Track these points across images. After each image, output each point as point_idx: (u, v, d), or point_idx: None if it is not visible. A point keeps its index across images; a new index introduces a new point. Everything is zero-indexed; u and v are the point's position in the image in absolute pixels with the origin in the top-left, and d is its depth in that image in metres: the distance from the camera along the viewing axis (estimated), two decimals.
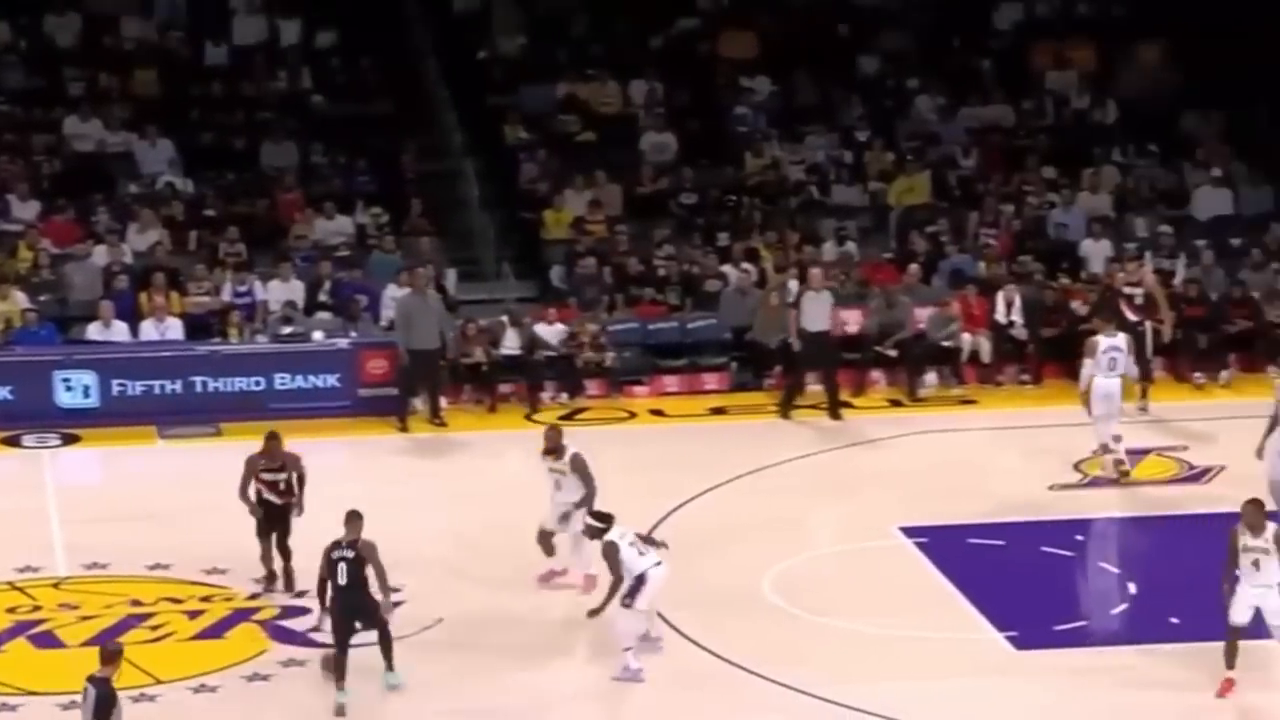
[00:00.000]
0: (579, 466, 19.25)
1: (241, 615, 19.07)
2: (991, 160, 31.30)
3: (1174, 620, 18.99)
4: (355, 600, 17.00)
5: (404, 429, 25.54)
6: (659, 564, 17.68)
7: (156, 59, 31.81)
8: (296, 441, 20.24)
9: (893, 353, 26.98)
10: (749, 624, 18.96)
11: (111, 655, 14.41)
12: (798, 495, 22.67)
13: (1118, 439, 22.81)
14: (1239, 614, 17.00)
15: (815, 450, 24.30)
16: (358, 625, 17.04)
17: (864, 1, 33.38)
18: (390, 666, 17.27)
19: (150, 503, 22.42)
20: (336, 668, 16.85)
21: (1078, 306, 27.35)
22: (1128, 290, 25.07)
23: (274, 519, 19.31)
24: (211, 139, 30.95)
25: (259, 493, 19.27)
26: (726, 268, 28.43)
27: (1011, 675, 18.06)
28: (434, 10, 32.99)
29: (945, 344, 26.89)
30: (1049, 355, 27.08)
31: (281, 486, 19.21)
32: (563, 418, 26.03)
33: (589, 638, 18.19)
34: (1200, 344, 27.03)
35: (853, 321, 27.45)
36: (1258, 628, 17.17)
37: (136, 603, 19.40)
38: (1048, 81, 32.65)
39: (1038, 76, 32.78)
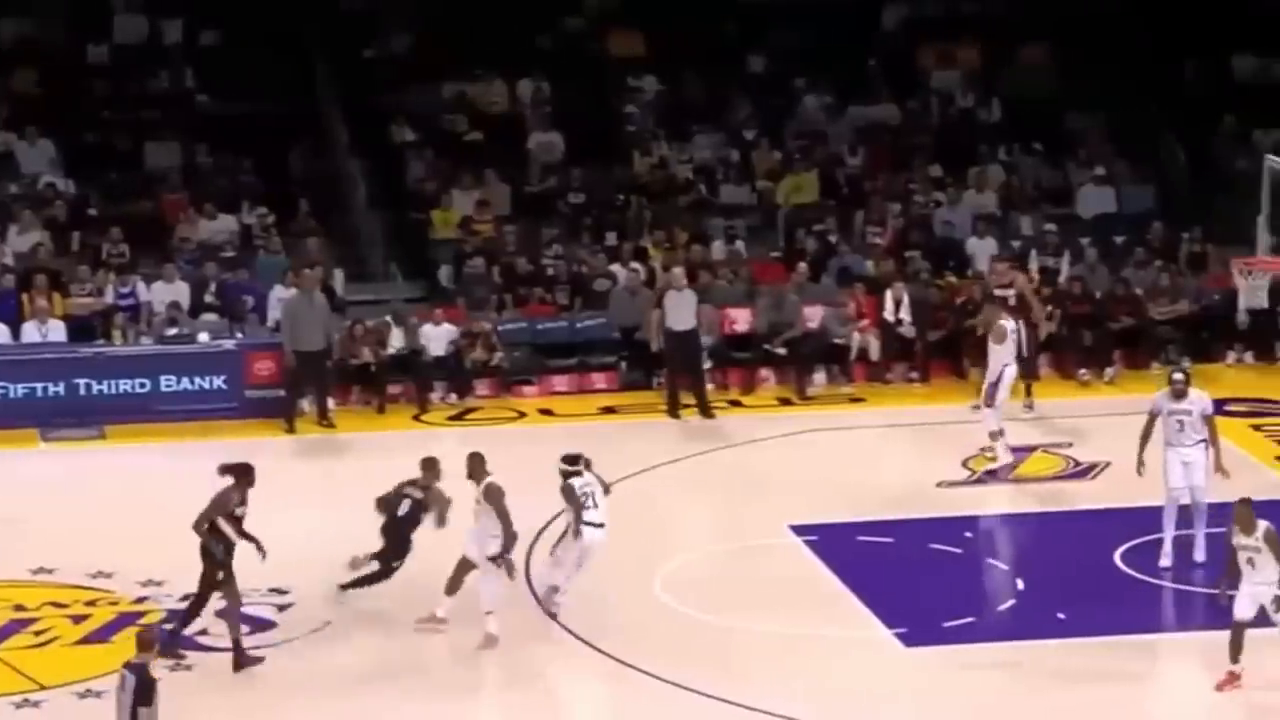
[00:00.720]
0: (493, 499, 18.29)
1: (127, 619, 18.83)
2: (878, 159, 31.43)
3: (1060, 616, 19.14)
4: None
5: (291, 430, 25.37)
6: (601, 526, 18.13)
7: (36, 58, 31.42)
8: (182, 444, 20.06)
9: (782, 351, 27.05)
10: (640, 623, 18.94)
11: (149, 642, 14.47)
12: (688, 494, 22.68)
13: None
14: (1241, 609, 17.09)
15: (705, 449, 24.32)
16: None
17: (751, 0, 33.44)
18: None
19: (33, 506, 22.12)
20: None
21: (961, 304, 27.52)
22: (999, 293, 25.18)
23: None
24: (94, 139, 30.61)
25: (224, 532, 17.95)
26: (615, 267, 28.41)
27: (901, 672, 18.13)
28: (321, 9, 32.77)
29: (837, 340, 26.98)
30: (936, 353, 27.24)
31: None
32: (452, 418, 26.00)
33: (480, 639, 18.09)
34: (1085, 341, 27.25)
35: (741, 320, 27.51)
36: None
37: (20, 607, 19.16)
38: (933, 81, 32.82)
39: (924, 76, 32.95)
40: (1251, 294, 21.90)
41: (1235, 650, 17.10)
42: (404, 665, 17.88)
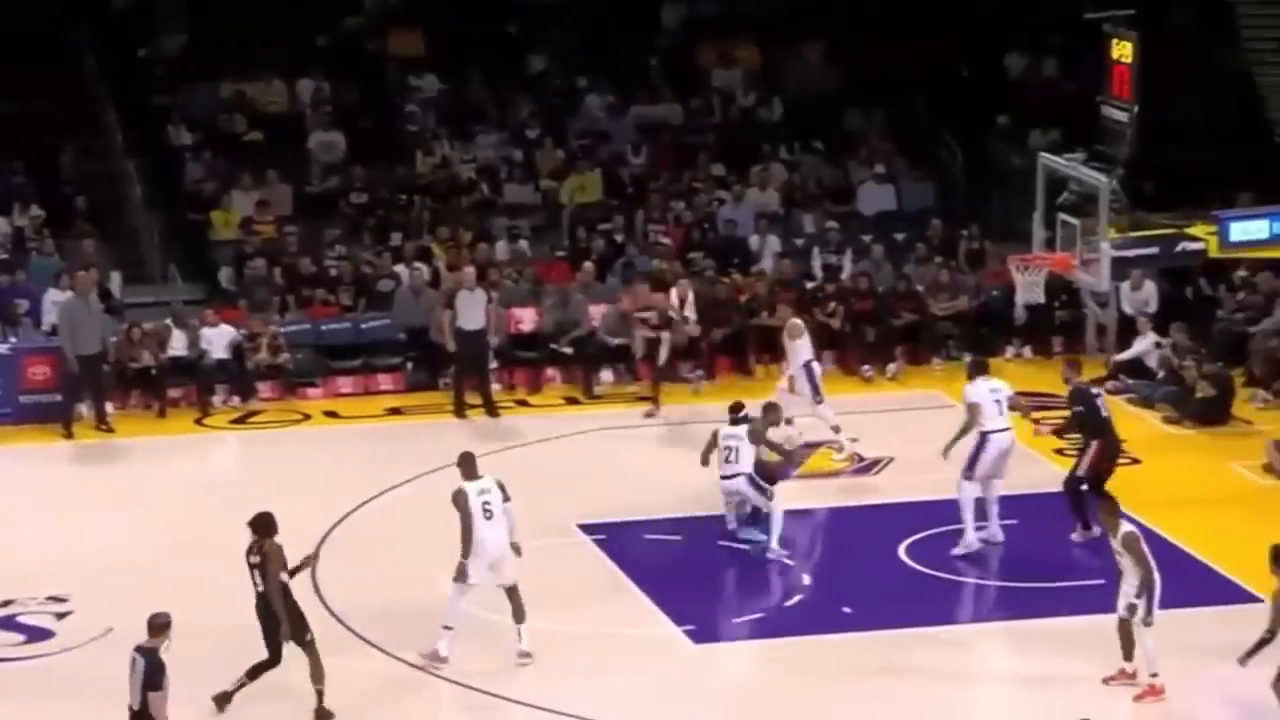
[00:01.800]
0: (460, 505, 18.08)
1: None
2: (661, 158, 31.54)
3: (846, 610, 19.32)
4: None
5: (69, 436, 24.89)
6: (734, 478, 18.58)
7: None
8: None
9: (568, 350, 27.02)
10: (430, 625, 18.79)
11: (160, 627, 14.77)
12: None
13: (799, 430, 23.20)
14: (1119, 608, 17.26)
15: (492, 449, 24.13)
16: None
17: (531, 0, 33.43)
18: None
19: None
20: None
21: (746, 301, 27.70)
22: (639, 315, 25.10)
23: None
24: None
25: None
26: (399, 267, 28.21)
27: (690, 668, 18.19)
28: (92, 8, 32.15)
29: (619, 342, 26.99)
30: (721, 351, 27.36)
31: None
32: (235, 421, 25.66)
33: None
34: (868, 338, 27.52)
35: (527, 320, 27.45)
36: None
37: None
38: (714, 80, 33.00)
39: (704, 75, 33.11)
40: (1028, 290, 22.21)
41: (1126, 648, 17.30)
42: (184, 674, 17.52)
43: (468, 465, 18.38)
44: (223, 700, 16.82)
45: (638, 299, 25.59)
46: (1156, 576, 17.12)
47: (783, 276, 28.19)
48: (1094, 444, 20.41)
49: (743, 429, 20.87)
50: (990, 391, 20.56)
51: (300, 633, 16.71)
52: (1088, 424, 20.47)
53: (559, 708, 17.11)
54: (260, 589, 16.67)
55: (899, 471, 22.92)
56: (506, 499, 18.15)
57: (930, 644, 18.67)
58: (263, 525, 16.88)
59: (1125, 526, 17.34)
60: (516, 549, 18.15)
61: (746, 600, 19.66)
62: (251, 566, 16.76)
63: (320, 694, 16.79)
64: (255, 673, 16.77)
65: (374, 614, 18.81)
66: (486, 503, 18.08)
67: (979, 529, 20.37)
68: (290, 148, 30.81)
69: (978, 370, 20.93)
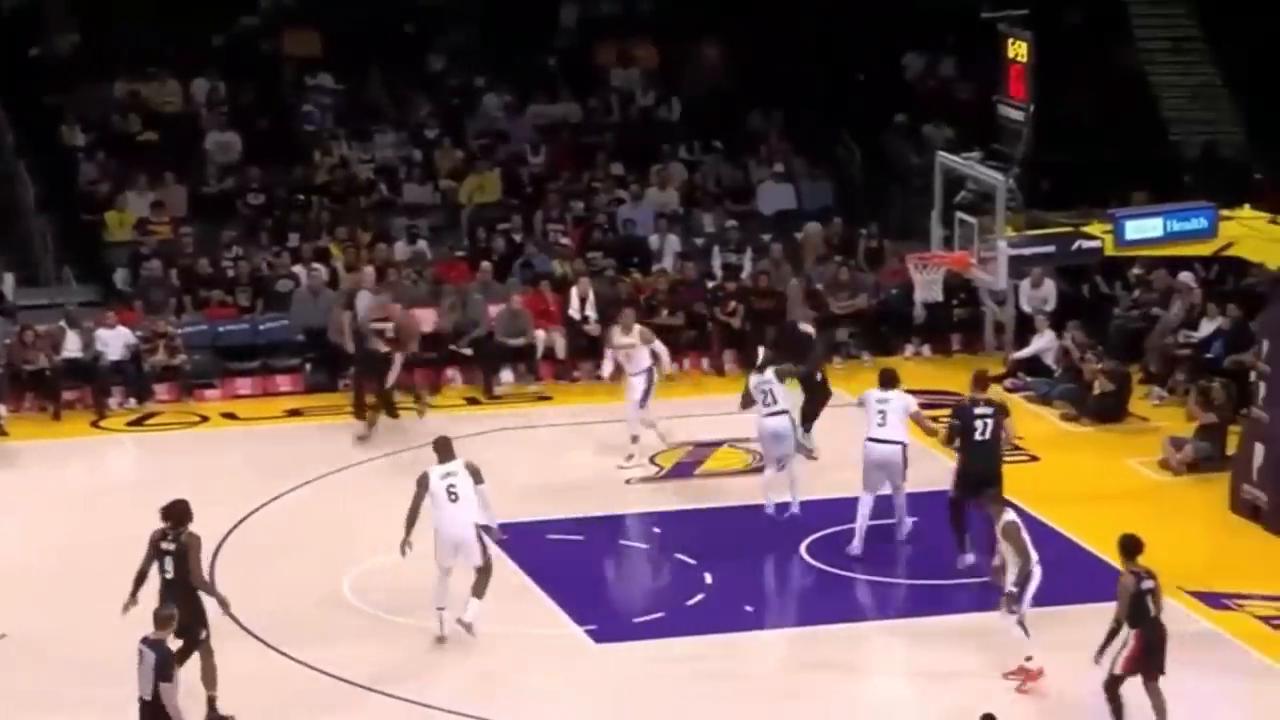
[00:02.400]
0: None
1: None
2: (560, 158, 31.50)
3: (748, 609, 19.35)
4: None
5: None
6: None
7: None
8: None
9: (468, 351, 26.94)
10: (329, 627, 18.73)
11: (165, 619, 15.15)
12: (377, 495, 22.39)
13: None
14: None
15: (392, 450, 24.11)
16: None
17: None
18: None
19: None
20: None
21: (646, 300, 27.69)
22: (376, 325, 24.78)
23: None
24: None
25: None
26: (297, 268, 28.04)
27: (592, 669, 18.19)
28: None
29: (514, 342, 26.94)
30: None
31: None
32: (131, 423, 25.45)
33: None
34: (769, 336, 27.51)
35: (427, 320, 27.32)
36: None
37: None
38: (613, 79, 32.99)
39: (603, 74, 33.10)
40: (927, 288, 22.28)
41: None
42: (82, 678, 17.42)
43: (442, 449, 18.62)
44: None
45: (373, 310, 24.62)
46: (1036, 568, 17.24)
47: (683, 276, 28.23)
48: (959, 458, 20.33)
49: (769, 373, 21.27)
50: (876, 401, 20.50)
51: (196, 630, 16.58)
52: (957, 439, 20.33)
53: (459, 709, 17.06)
54: (169, 576, 16.53)
55: (800, 470, 22.92)
56: (479, 482, 18.30)
57: (832, 641, 18.75)
58: (178, 513, 16.78)
59: (1007, 516, 17.49)
60: (488, 530, 18.29)
61: (648, 600, 19.65)
62: (163, 554, 16.59)
63: (211, 700, 16.66)
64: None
65: (273, 616, 18.67)
66: (451, 485, 18.24)
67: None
68: (186, 148, 30.56)
69: (882, 381, 20.85)
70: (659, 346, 23.53)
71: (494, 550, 18.72)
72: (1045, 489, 22.44)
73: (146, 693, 14.89)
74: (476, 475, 18.40)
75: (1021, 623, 17.34)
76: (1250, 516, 21.50)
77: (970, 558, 19.68)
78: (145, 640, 15.02)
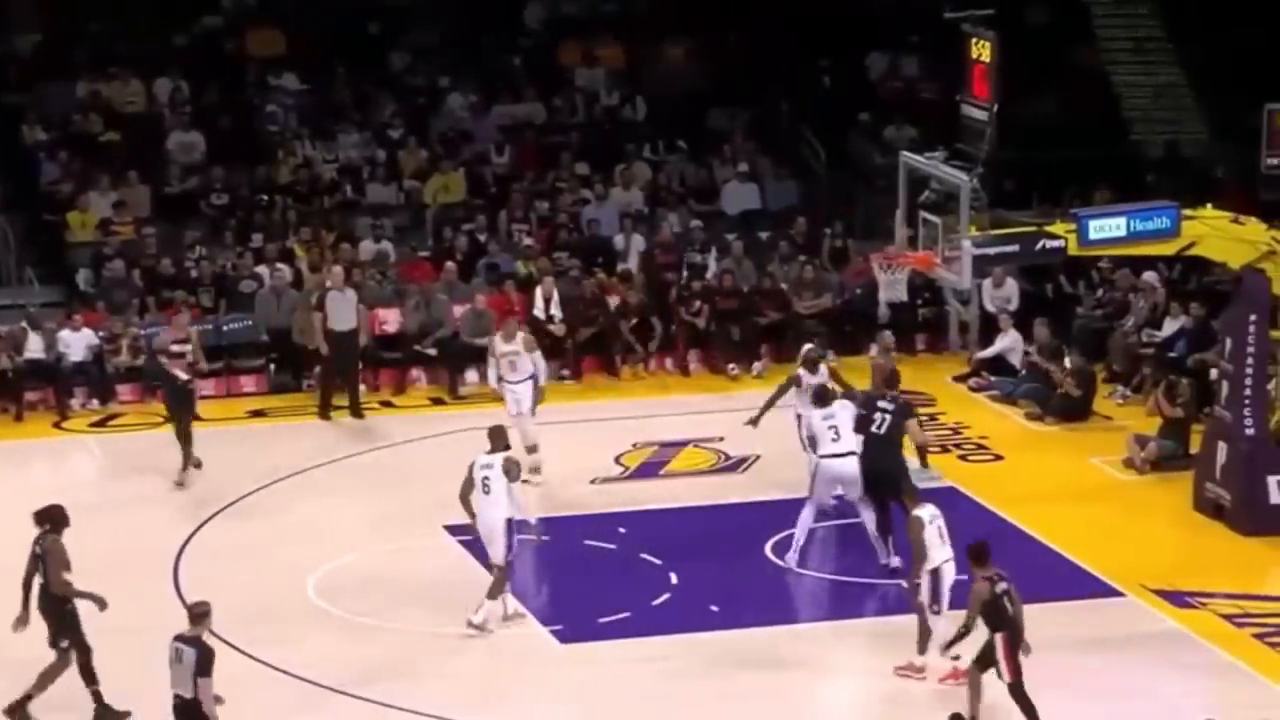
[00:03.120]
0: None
1: None
2: (525, 157, 31.46)
3: (714, 608, 19.35)
4: None
5: None
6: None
7: None
8: None
9: (432, 351, 26.90)
10: (294, 629, 18.69)
11: (200, 616, 15.14)
12: (342, 496, 22.42)
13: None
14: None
15: (358, 450, 24.08)
16: None
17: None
18: None
19: None
20: None
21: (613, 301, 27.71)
22: (175, 348, 24.31)
23: None
24: None
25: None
26: (261, 268, 27.96)
27: (557, 669, 18.18)
28: None
29: (478, 342, 26.85)
30: (587, 350, 27.34)
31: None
32: (94, 424, 25.36)
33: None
34: (734, 336, 27.58)
35: (391, 321, 27.29)
36: None
37: None
38: (577, 79, 32.96)
39: (568, 74, 33.07)
40: (891, 288, 22.30)
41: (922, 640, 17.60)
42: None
43: (493, 439, 18.84)
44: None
45: (176, 328, 23.72)
46: (933, 566, 17.26)
47: (720, 284, 27.95)
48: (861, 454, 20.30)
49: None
50: (823, 419, 20.22)
51: (60, 638, 16.59)
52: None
53: (425, 709, 17.03)
54: (40, 581, 16.60)
55: (765, 470, 22.98)
56: (511, 480, 18.51)
57: (797, 641, 18.75)
58: (49, 518, 16.79)
59: (915, 511, 17.54)
60: (526, 527, 18.72)
61: (613, 600, 19.63)
62: (35, 556, 16.67)
63: (28, 697, 16.65)
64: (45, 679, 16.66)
65: (237, 617, 18.59)
66: (486, 477, 18.49)
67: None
68: (149, 148, 30.45)
69: (817, 398, 20.81)
70: (539, 357, 23.10)
71: (463, 555, 18.66)
72: (1010, 488, 22.52)
73: (186, 690, 14.87)
74: (510, 472, 18.60)
75: (921, 622, 17.39)
76: (1213, 515, 21.57)
77: (896, 559, 19.72)
78: (181, 638, 14.99)
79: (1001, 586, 16.30)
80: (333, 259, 27.50)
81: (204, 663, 14.89)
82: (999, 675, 16.27)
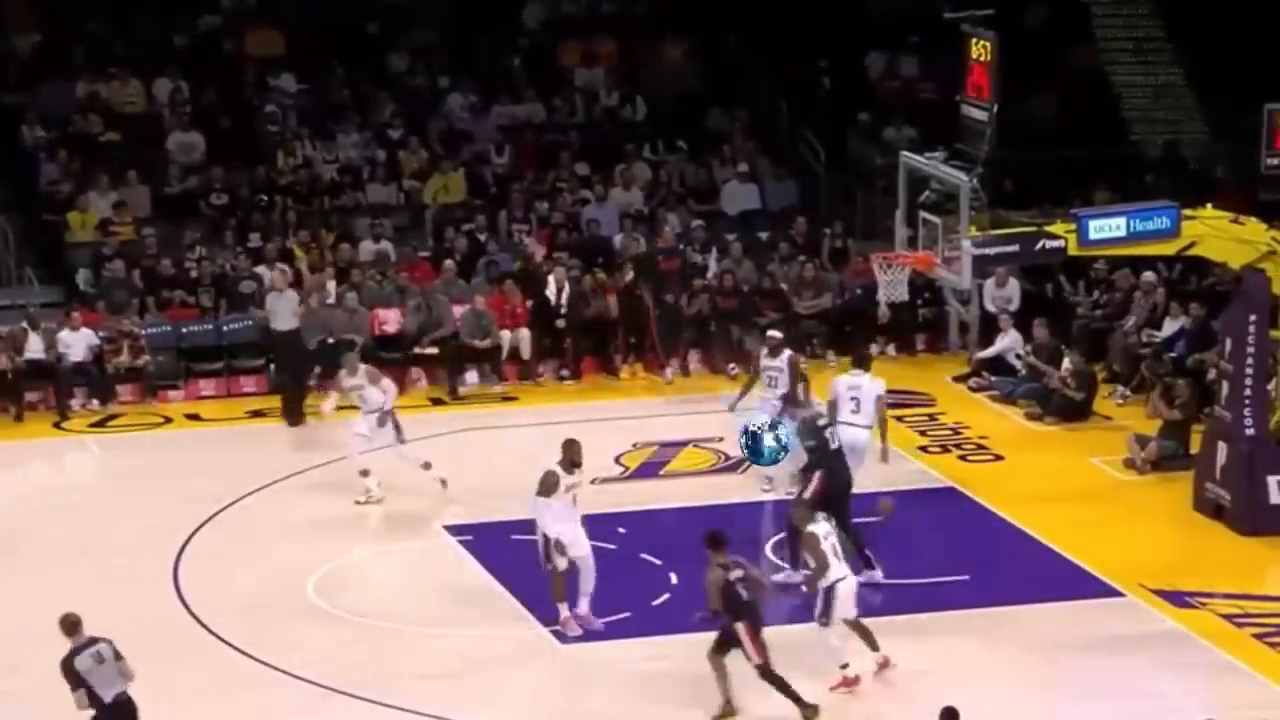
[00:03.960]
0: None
1: None
2: (524, 158, 31.47)
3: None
4: None
5: None
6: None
7: None
8: None
9: (432, 351, 26.91)
10: (293, 628, 18.69)
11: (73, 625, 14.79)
12: (341, 496, 22.38)
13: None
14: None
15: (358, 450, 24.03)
16: None
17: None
18: None
19: None
20: None
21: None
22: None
23: None
24: None
25: None
26: (261, 269, 27.97)
27: (557, 669, 18.16)
28: None
29: (478, 343, 26.89)
30: (587, 350, 27.35)
31: None
32: (94, 425, 25.36)
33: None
34: (734, 335, 27.58)
35: (391, 321, 27.30)
36: None
37: None
38: (577, 79, 32.98)
39: (567, 74, 33.08)
40: (891, 288, 22.28)
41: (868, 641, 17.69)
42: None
43: (564, 450, 18.74)
44: None
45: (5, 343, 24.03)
46: (830, 580, 17.26)
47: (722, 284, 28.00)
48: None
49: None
50: (848, 388, 20.74)
51: None
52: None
53: (425, 709, 17.03)
54: None
55: (765, 470, 22.93)
56: (538, 493, 18.52)
57: (796, 640, 18.71)
58: None
59: (809, 526, 17.51)
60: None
61: (614, 599, 19.62)
62: None
63: None
64: None
65: (236, 617, 18.64)
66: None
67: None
68: (148, 148, 30.47)
69: (855, 363, 21.12)
70: (387, 383, 22.65)
71: (463, 555, 18.59)
72: (1010, 488, 22.52)
73: (120, 685, 14.78)
74: (540, 485, 18.53)
75: (824, 632, 17.42)
76: (1213, 515, 21.58)
77: (878, 574, 19.65)
78: (93, 639, 14.86)
79: (736, 574, 16.58)
80: (331, 259, 27.48)
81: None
82: (746, 658, 16.52)
